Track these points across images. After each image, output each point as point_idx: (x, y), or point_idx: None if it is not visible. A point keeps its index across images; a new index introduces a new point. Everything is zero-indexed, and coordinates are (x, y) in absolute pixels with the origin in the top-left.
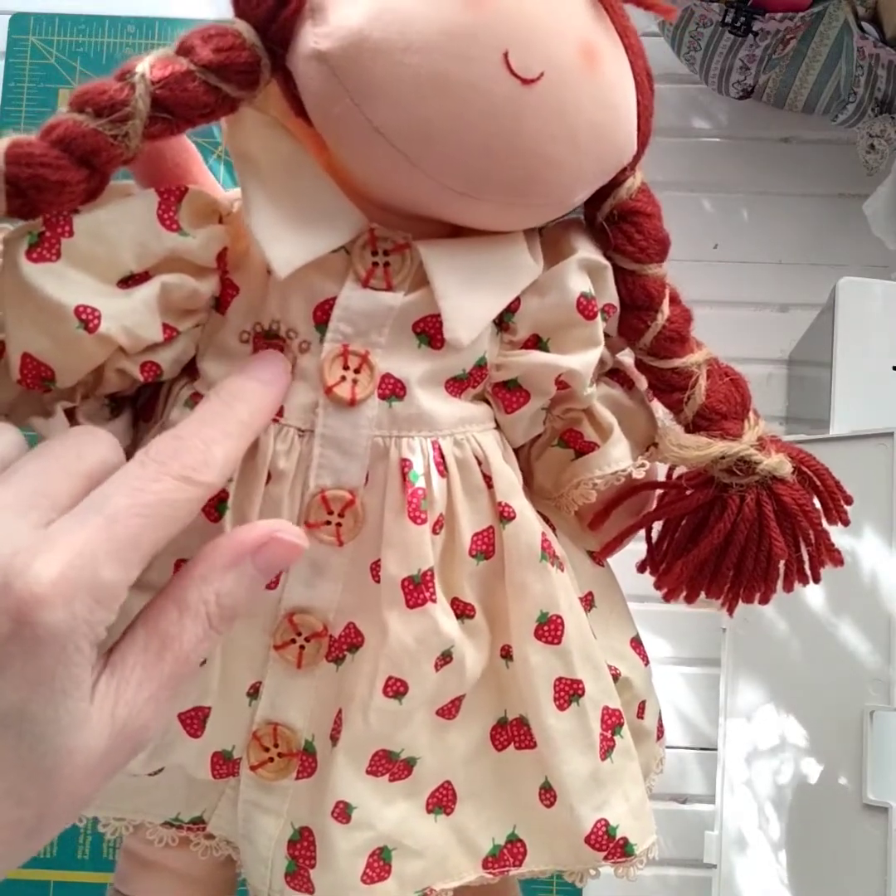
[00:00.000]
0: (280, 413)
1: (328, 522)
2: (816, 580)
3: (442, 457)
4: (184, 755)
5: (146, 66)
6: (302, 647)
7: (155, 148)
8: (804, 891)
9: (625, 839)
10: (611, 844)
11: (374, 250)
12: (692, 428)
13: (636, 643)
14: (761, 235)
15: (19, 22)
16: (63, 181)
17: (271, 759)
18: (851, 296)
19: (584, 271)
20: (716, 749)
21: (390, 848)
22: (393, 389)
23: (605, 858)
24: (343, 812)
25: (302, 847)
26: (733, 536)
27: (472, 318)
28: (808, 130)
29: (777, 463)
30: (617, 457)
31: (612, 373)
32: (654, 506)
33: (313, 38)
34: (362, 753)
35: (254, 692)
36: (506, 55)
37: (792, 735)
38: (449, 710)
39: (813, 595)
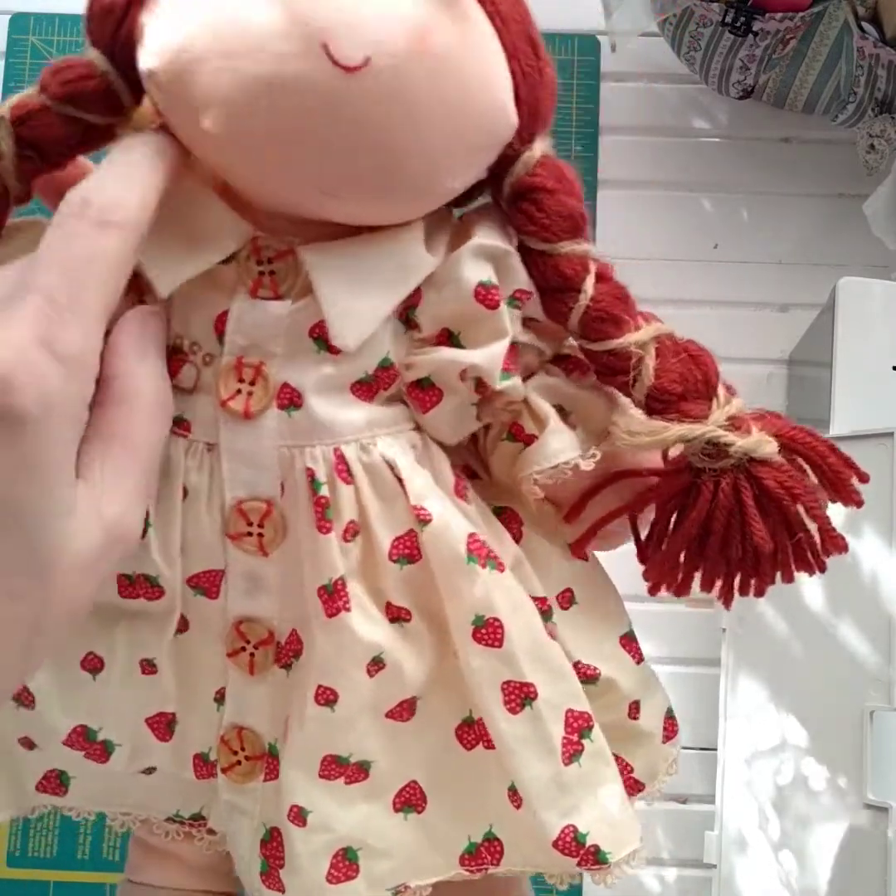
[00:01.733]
0: (188, 428)
1: (249, 533)
2: (821, 569)
3: (345, 464)
4: (160, 758)
5: (6, 107)
6: (252, 654)
7: (57, 178)
8: (804, 891)
9: (596, 847)
10: (581, 851)
11: (259, 259)
12: (649, 412)
13: (628, 640)
14: (761, 235)
15: (19, 22)
16: None
17: (239, 763)
18: (851, 296)
19: (484, 258)
20: (716, 749)
21: (355, 848)
22: (291, 399)
23: (579, 864)
24: (298, 816)
25: (272, 847)
26: (711, 525)
27: (360, 321)
28: (808, 130)
29: (754, 443)
30: (556, 449)
31: (561, 359)
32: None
33: (143, 58)
34: (310, 759)
35: (220, 698)
36: (325, 46)
37: (792, 735)
38: (400, 713)
39: (813, 595)
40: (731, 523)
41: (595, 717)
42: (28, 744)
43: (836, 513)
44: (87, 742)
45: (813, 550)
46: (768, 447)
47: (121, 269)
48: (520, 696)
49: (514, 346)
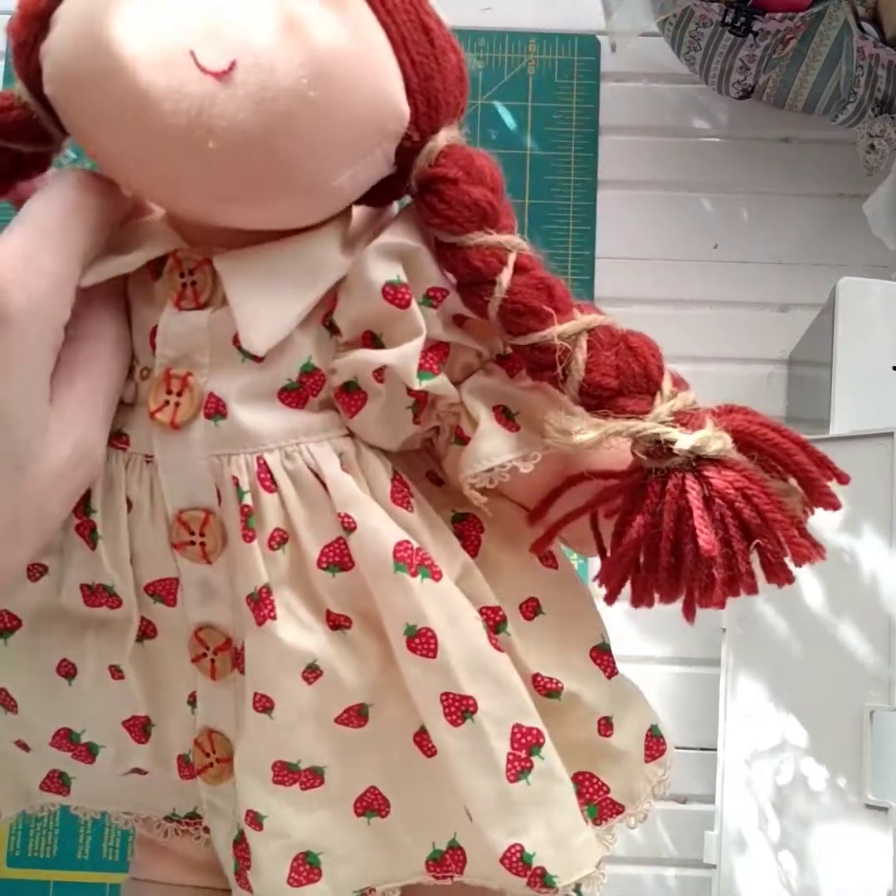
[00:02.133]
0: (127, 441)
1: (192, 542)
2: (788, 580)
3: (268, 471)
4: (143, 760)
5: None
6: (212, 659)
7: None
8: (804, 891)
9: (543, 869)
10: (527, 872)
11: (180, 272)
12: (586, 409)
13: (599, 653)
14: (761, 235)
15: None
16: None
17: (211, 764)
18: (851, 296)
19: (390, 258)
20: (716, 749)
21: (316, 852)
22: (216, 408)
23: (528, 885)
24: (255, 820)
25: (242, 848)
26: (659, 528)
27: (269, 325)
28: (808, 130)
29: (700, 439)
30: (487, 452)
31: (505, 359)
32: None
33: (44, 86)
34: (259, 764)
35: (193, 701)
36: (192, 54)
37: (792, 735)
38: (351, 720)
39: (813, 595)
40: (680, 526)
41: (564, 735)
42: (23, 746)
43: (837, 511)
44: (72, 744)
45: (777, 558)
46: (717, 444)
47: (100, 218)
48: (459, 708)
49: (443, 346)
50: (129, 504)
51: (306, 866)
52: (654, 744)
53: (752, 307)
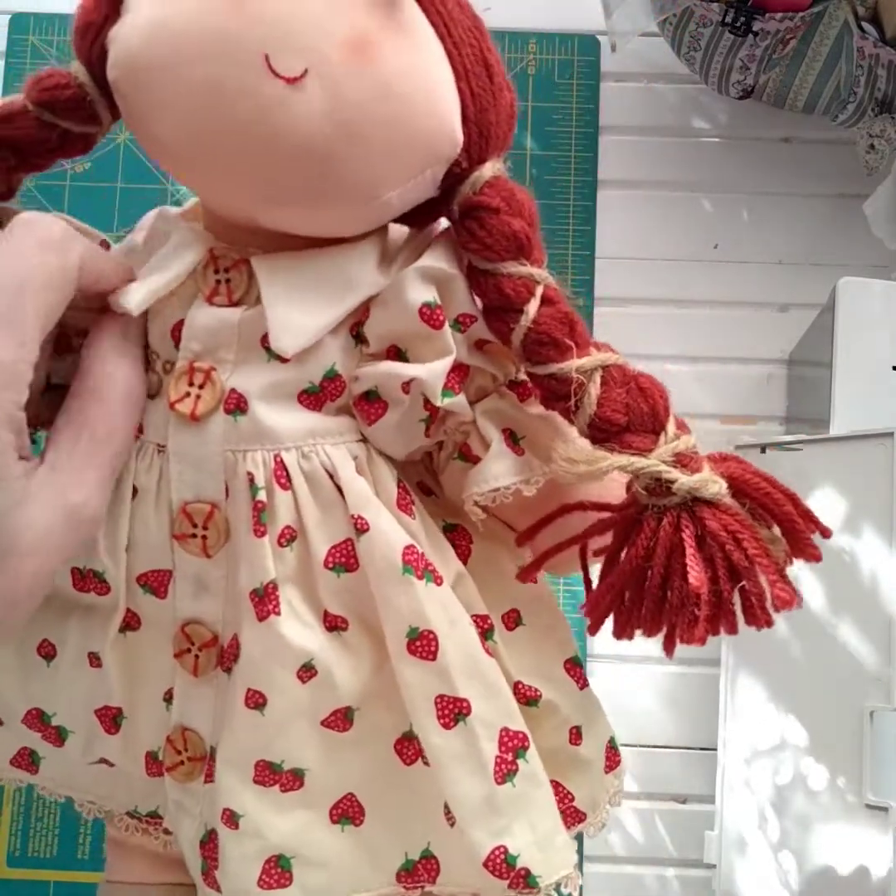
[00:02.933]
0: (141, 429)
1: (194, 535)
2: (767, 624)
3: (284, 469)
4: (111, 751)
5: None
6: (196, 656)
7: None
8: (804, 891)
9: (527, 870)
10: (511, 874)
11: (216, 268)
12: (593, 441)
13: (573, 665)
14: (761, 235)
15: (19, 22)
16: None
17: (182, 763)
18: (851, 296)
19: (427, 280)
20: (716, 749)
21: (288, 856)
22: (237, 404)
23: (509, 887)
24: (231, 819)
25: (209, 848)
26: (651, 563)
27: (299, 328)
28: (808, 130)
29: (698, 481)
30: (496, 473)
31: (517, 385)
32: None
33: (108, 71)
34: (242, 762)
35: (168, 697)
36: (267, 57)
37: (792, 735)
38: (336, 723)
39: (813, 595)
40: (671, 563)
41: (537, 741)
42: None
43: (836, 512)
44: (43, 724)
45: (760, 602)
46: (714, 487)
47: (62, 290)
48: (453, 711)
49: (464, 368)
50: (135, 492)
51: (278, 869)
52: (612, 755)
53: (752, 307)
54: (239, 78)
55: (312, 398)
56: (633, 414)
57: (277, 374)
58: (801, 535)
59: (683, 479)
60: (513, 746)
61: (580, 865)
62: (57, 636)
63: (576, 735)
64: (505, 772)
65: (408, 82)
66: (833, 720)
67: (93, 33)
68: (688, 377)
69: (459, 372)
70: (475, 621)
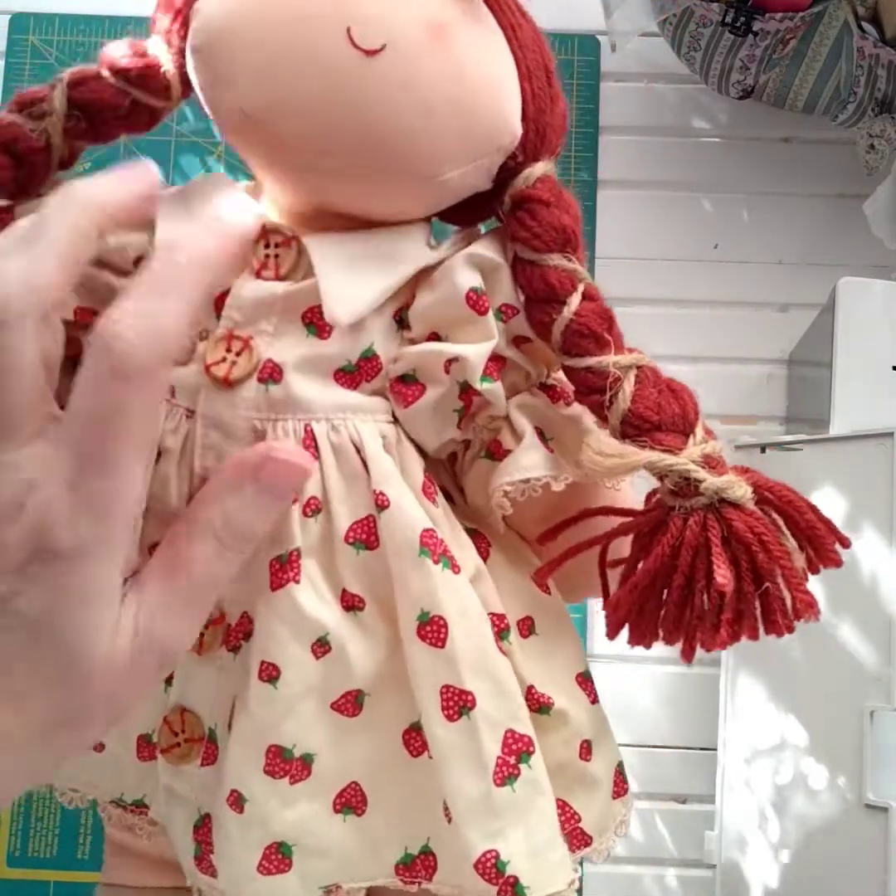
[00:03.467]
0: (171, 393)
1: None
2: (789, 630)
3: (314, 440)
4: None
5: (67, 72)
6: (202, 633)
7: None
8: (804, 891)
9: (515, 879)
10: (500, 880)
11: (267, 243)
12: (623, 438)
13: (584, 680)
14: (761, 235)
15: (19, 22)
16: None
17: (178, 744)
18: (851, 296)
19: (475, 267)
20: (716, 749)
21: (290, 844)
22: (271, 374)
23: (499, 894)
24: (237, 802)
25: (203, 832)
26: (676, 563)
27: (352, 299)
28: (808, 130)
29: (726, 482)
30: (526, 464)
31: (547, 388)
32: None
33: (190, 40)
34: (256, 745)
35: (168, 679)
36: (349, 29)
37: (792, 735)
38: (345, 707)
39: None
40: (696, 563)
41: (546, 755)
42: None
43: (836, 512)
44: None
45: (781, 607)
46: (741, 490)
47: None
48: (458, 703)
49: (501, 359)
50: (159, 455)
51: (279, 855)
52: (620, 781)
53: (752, 307)
54: (319, 48)
55: (348, 377)
56: (664, 413)
57: (315, 350)
58: (826, 542)
59: (712, 480)
60: (517, 749)
61: (580, 865)
62: None
63: (586, 750)
64: (506, 774)
65: (478, 70)
66: (833, 720)
67: (175, 10)
68: (688, 377)
69: (497, 362)
70: (492, 619)
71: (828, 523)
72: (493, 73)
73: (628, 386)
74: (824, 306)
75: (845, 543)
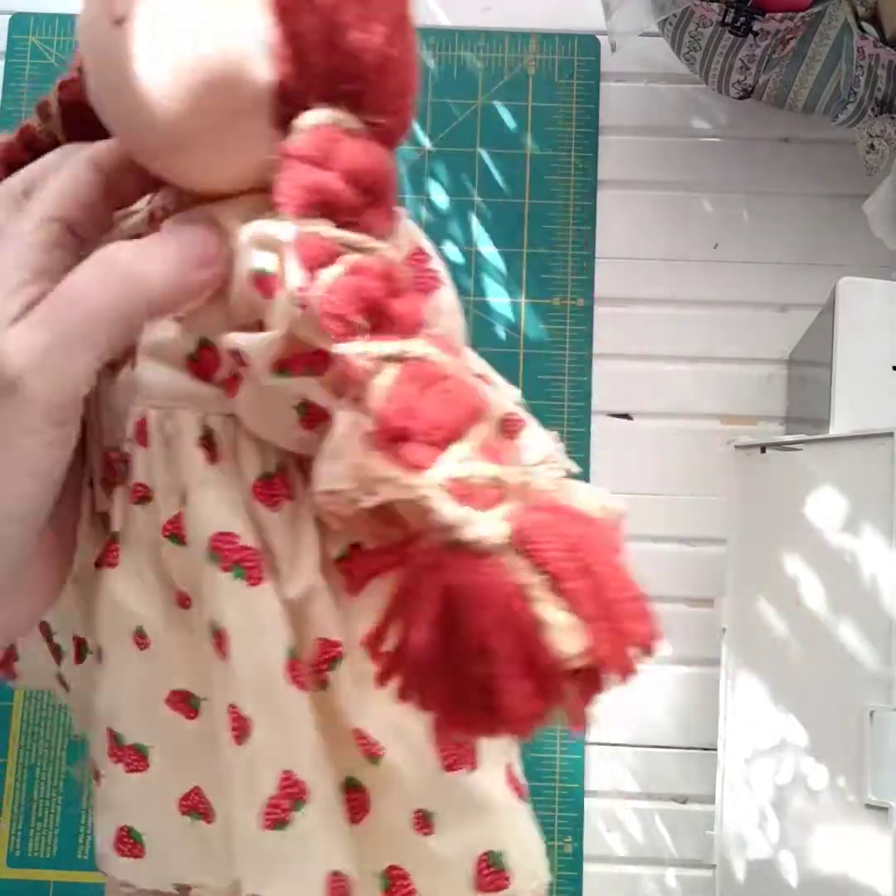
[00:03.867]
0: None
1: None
2: (490, 733)
3: (145, 427)
4: (69, 673)
5: (61, 76)
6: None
7: None
8: (804, 891)
9: None
10: None
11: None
12: (375, 448)
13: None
14: (761, 235)
15: (19, 22)
16: (15, 162)
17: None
18: (851, 296)
19: (262, 246)
20: (716, 749)
21: (139, 831)
22: (134, 358)
23: None
24: (96, 775)
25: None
26: (393, 611)
27: None
28: (808, 130)
29: (460, 519)
30: (332, 474)
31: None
32: None
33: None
34: (100, 726)
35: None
36: (111, 3)
37: (792, 735)
38: (178, 706)
39: (813, 595)
40: (404, 617)
41: (381, 812)
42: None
43: (836, 512)
44: (46, 638)
45: (485, 697)
46: (480, 531)
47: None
48: (241, 726)
49: (318, 351)
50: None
51: (130, 840)
52: (490, 875)
53: (752, 307)
54: (93, 16)
55: (197, 366)
56: (418, 420)
57: (168, 334)
58: (615, 635)
59: (445, 512)
60: (291, 795)
61: (580, 865)
62: None
63: (423, 821)
64: (275, 819)
65: (194, 15)
66: (833, 720)
67: None
68: (688, 377)
69: (309, 353)
70: (318, 645)
71: (639, 613)
72: (215, 19)
73: (382, 382)
74: (824, 306)
75: (654, 638)
